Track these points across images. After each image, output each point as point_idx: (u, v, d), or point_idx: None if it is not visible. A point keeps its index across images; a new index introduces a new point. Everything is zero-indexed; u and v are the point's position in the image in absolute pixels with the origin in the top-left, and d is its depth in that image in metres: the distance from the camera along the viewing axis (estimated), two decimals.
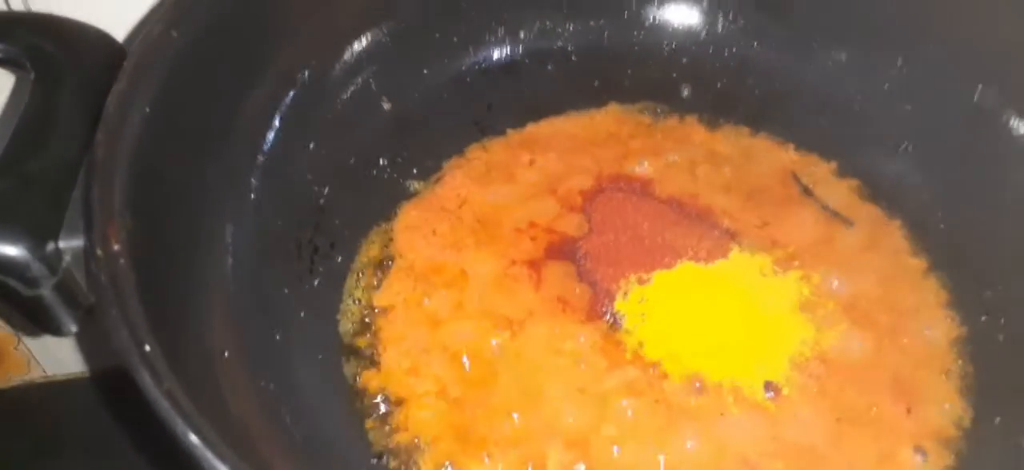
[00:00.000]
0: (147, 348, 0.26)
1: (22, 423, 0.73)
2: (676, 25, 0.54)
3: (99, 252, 0.28)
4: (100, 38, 0.35)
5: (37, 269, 0.29)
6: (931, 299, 0.43)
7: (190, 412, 0.24)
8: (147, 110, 0.33)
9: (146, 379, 0.25)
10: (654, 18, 0.54)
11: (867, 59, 0.50)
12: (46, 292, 0.30)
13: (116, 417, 0.67)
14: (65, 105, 0.33)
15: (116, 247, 0.28)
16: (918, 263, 0.44)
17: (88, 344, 0.68)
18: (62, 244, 0.30)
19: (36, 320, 0.31)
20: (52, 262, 0.30)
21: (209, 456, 0.23)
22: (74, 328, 0.32)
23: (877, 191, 0.47)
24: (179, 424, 0.24)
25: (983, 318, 0.41)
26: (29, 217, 0.30)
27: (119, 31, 0.37)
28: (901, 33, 0.48)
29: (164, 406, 0.24)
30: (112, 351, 0.27)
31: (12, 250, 0.29)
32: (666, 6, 0.53)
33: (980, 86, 0.44)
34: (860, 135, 0.49)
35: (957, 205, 0.45)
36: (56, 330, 0.31)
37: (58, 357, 0.70)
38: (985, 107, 0.44)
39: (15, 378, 0.72)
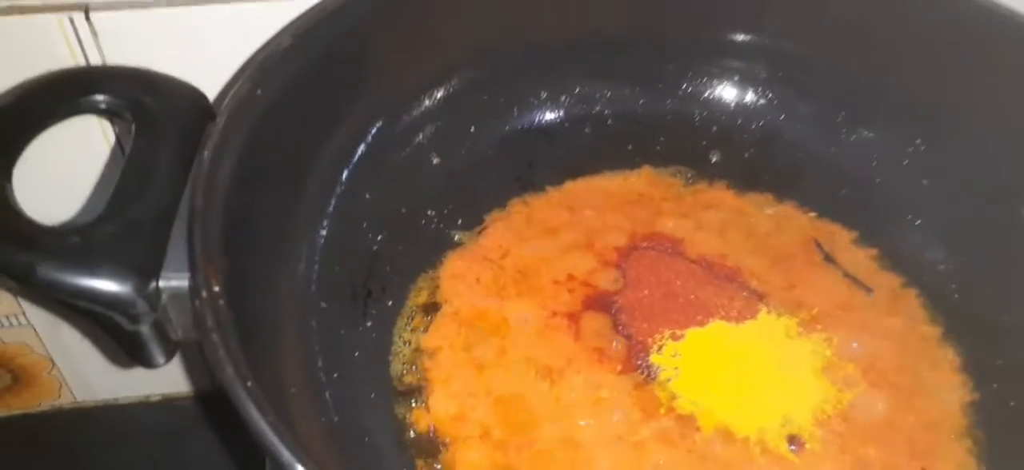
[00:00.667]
0: (250, 384, 0.28)
1: (49, 448, 0.75)
2: (707, 96, 0.57)
3: (203, 293, 0.30)
4: (193, 94, 0.39)
5: (141, 306, 0.32)
6: (945, 365, 0.45)
7: (291, 442, 0.27)
8: (235, 161, 0.36)
9: (253, 413, 0.27)
10: (687, 89, 0.57)
11: (887, 137, 0.53)
12: (145, 328, 0.33)
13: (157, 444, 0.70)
14: (163, 154, 0.36)
15: (216, 288, 0.31)
16: (933, 330, 0.47)
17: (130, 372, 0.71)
18: (163, 284, 0.33)
19: (132, 352, 0.34)
20: (153, 300, 0.32)
21: None
22: (163, 361, 0.35)
23: (895, 261, 0.50)
24: (285, 453, 0.26)
25: (995, 385, 0.44)
26: (135, 258, 0.32)
27: (209, 89, 0.40)
28: (920, 116, 0.52)
29: (271, 438, 0.27)
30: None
31: (120, 288, 0.32)
32: (699, 80, 0.57)
33: (993, 169, 0.48)
34: (880, 207, 0.52)
35: (971, 277, 0.48)
36: (147, 362, 0.34)
37: (89, 384, 0.73)
38: (997, 188, 0.48)
39: (45, 403, 0.74)
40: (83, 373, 0.72)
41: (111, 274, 0.32)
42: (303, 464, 0.26)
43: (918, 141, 0.52)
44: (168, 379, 0.73)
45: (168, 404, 0.74)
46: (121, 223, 0.33)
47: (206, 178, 0.35)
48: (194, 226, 0.33)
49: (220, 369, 0.28)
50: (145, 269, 0.32)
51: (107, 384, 0.73)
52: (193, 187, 0.34)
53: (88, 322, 0.32)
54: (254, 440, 0.28)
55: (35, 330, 0.67)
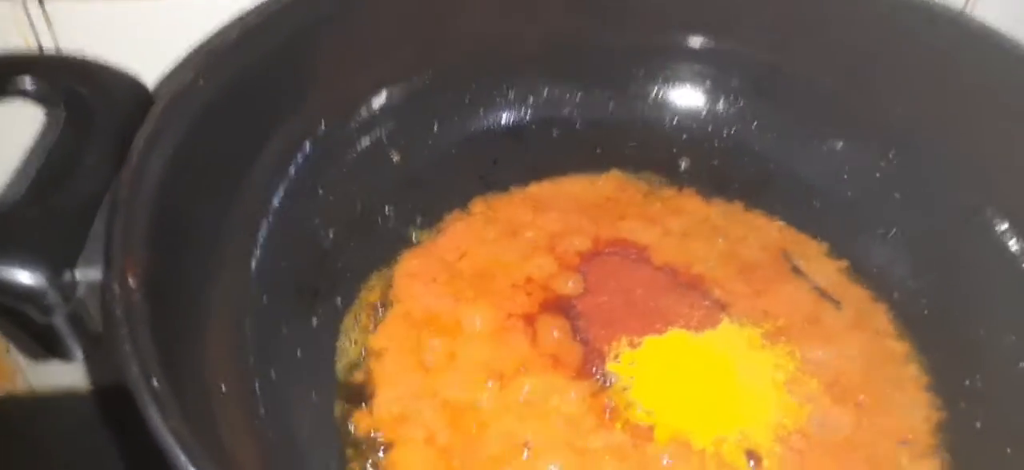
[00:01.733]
0: (155, 383, 0.27)
1: (3, 434, 0.73)
2: (679, 102, 0.56)
3: (116, 287, 0.29)
4: (131, 84, 0.37)
5: (52, 297, 0.30)
6: (912, 382, 0.44)
7: (193, 448, 0.25)
8: (170, 152, 0.35)
9: (154, 414, 0.26)
10: (658, 94, 0.56)
11: (859, 149, 0.52)
12: (58, 320, 0.31)
13: (113, 434, 0.68)
14: (93, 144, 0.34)
15: (132, 283, 0.30)
16: (901, 347, 0.45)
17: (91, 362, 0.69)
18: (79, 275, 0.31)
19: (45, 345, 0.32)
20: (67, 291, 0.31)
21: None
22: (80, 355, 0.33)
23: (865, 274, 0.48)
24: (181, 459, 0.25)
25: (962, 405, 0.42)
26: (49, 247, 0.31)
27: (149, 77, 0.39)
28: (894, 128, 0.50)
29: (169, 442, 0.25)
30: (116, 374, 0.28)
31: (30, 278, 0.30)
32: (670, 84, 0.55)
33: (965, 185, 0.46)
34: (851, 219, 0.50)
35: (941, 294, 0.47)
36: (62, 355, 0.33)
37: (45, 371, 0.71)
38: (969, 204, 0.46)
39: (1, 388, 0.72)
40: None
41: (22, 263, 0.30)
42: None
43: (891, 154, 0.51)
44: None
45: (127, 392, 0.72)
46: (39, 210, 0.32)
47: (135, 168, 0.33)
48: (115, 217, 0.31)
49: (124, 365, 0.27)
50: (60, 258, 0.31)
51: (64, 372, 0.71)
52: (121, 176, 0.33)
53: None
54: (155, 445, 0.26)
55: None
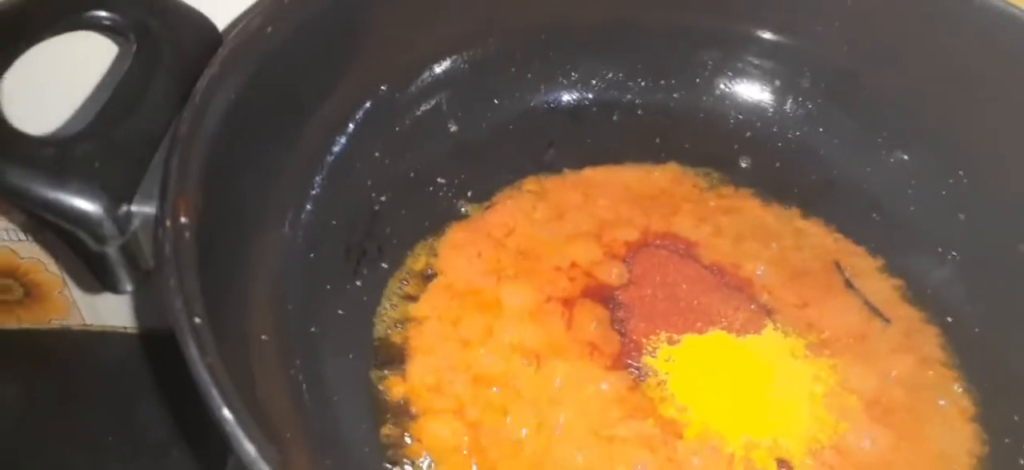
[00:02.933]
0: (197, 320, 0.27)
1: (54, 366, 0.75)
2: (745, 98, 0.55)
3: (168, 222, 0.30)
4: (202, 22, 0.38)
5: (108, 227, 0.31)
6: (956, 411, 0.42)
7: (228, 388, 0.26)
8: (233, 97, 0.35)
9: (193, 351, 0.26)
10: (724, 88, 0.55)
11: (928, 164, 0.50)
12: (112, 250, 0.32)
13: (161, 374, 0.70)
14: (160, 81, 0.35)
15: (184, 220, 0.30)
16: (949, 373, 0.44)
17: (140, 302, 0.71)
18: (135, 208, 0.32)
19: (98, 273, 0.33)
20: (122, 223, 0.32)
21: (239, 433, 0.25)
22: (130, 288, 0.34)
23: (919, 294, 0.47)
24: (215, 398, 0.25)
25: (1007, 440, 0.41)
26: (108, 178, 0.32)
27: (220, 20, 0.39)
28: (965, 147, 0.49)
29: (205, 378, 0.26)
30: (163, 315, 0.28)
31: (88, 206, 0.31)
32: (738, 80, 0.54)
33: None
34: (910, 236, 0.49)
35: (996, 323, 0.45)
36: (113, 287, 0.33)
37: (98, 308, 0.73)
38: None
39: (55, 320, 0.75)
40: (93, 298, 0.72)
41: (80, 190, 0.31)
42: (233, 412, 0.25)
43: (961, 173, 0.49)
44: None
45: (172, 339, 0.74)
46: (101, 141, 0.33)
47: (196, 109, 0.34)
48: (173, 154, 0.32)
49: (168, 301, 0.27)
50: (118, 190, 0.32)
51: (116, 312, 0.74)
52: (182, 116, 0.33)
53: (56, 237, 0.32)
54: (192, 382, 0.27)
55: (49, 249, 0.67)
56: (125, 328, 0.75)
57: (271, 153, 0.39)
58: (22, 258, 0.68)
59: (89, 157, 0.32)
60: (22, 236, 0.66)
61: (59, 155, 0.31)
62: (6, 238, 0.66)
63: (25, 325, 0.74)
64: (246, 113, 0.36)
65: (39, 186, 0.31)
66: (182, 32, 0.38)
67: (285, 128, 0.40)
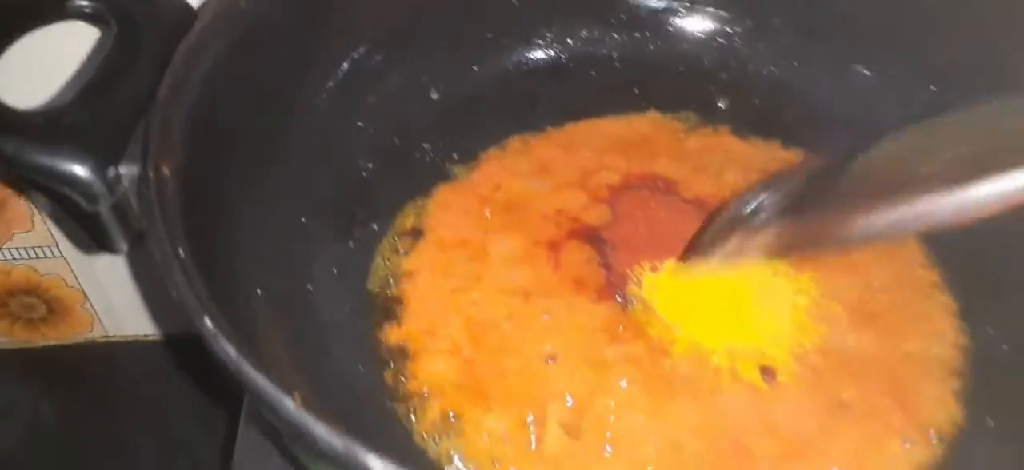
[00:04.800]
0: (181, 253, 0.29)
1: (81, 379, 0.78)
2: (719, 41, 0.56)
3: (151, 174, 0.32)
4: (179, 4, 0.40)
5: (98, 188, 0.33)
6: (939, 309, 0.43)
7: (208, 304, 0.27)
8: (210, 64, 0.37)
9: (180, 279, 0.28)
10: (698, 33, 0.56)
11: (900, 83, 0.51)
12: (103, 210, 0.34)
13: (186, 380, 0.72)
14: (141, 56, 0.37)
15: (166, 172, 0.32)
16: (931, 276, 0.45)
17: (157, 309, 0.74)
18: (123, 170, 0.34)
19: (94, 235, 0.35)
20: (112, 184, 0.34)
21: (222, 343, 0.27)
22: (125, 247, 0.36)
23: None
24: (198, 309, 0.27)
25: (990, 330, 0.42)
26: (95, 143, 0.34)
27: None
28: (936, 62, 0.50)
29: (191, 300, 0.27)
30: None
31: (78, 169, 0.33)
32: (709, 23, 0.56)
33: None
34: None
35: (976, 227, 0.46)
36: (108, 246, 0.35)
37: (119, 320, 0.76)
38: None
39: (79, 335, 0.77)
40: (114, 308, 0.75)
41: (70, 155, 0.33)
42: (216, 324, 0.27)
43: (932, 88, 0.50)
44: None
45: (195, 342, 0.76)
46: (88, 110, 0.35)
47: (175, 74, 0.36)
48: (153, 116, 0.34)
49: (156, 243, 0.29)
50: (105, 153, 0.34)
51: (137, 320, 0.76)
52: (163, 81, 0.35)
53: (52, 202, 0.34)
54: (183, 310, 0.29)
55: (68, 263, 0.70)
56: (146, 336, 0.77)
57: (251, 118, 0.41)
58: (43, 275, 0.71)
59: (77, 125, 0.34)
60: (41, 253, 0.69)
61: (48, 124, 0.34)
62: (26, 256, 0.69)
63: (50, 341, 0.77)
64: (223, 80, 0.38)
65: (31, 153, 0.33)
66: (160, 14, 0.40)
67: (263, 95, 0.42)
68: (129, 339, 0.77)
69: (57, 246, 0.68)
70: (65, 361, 0.77)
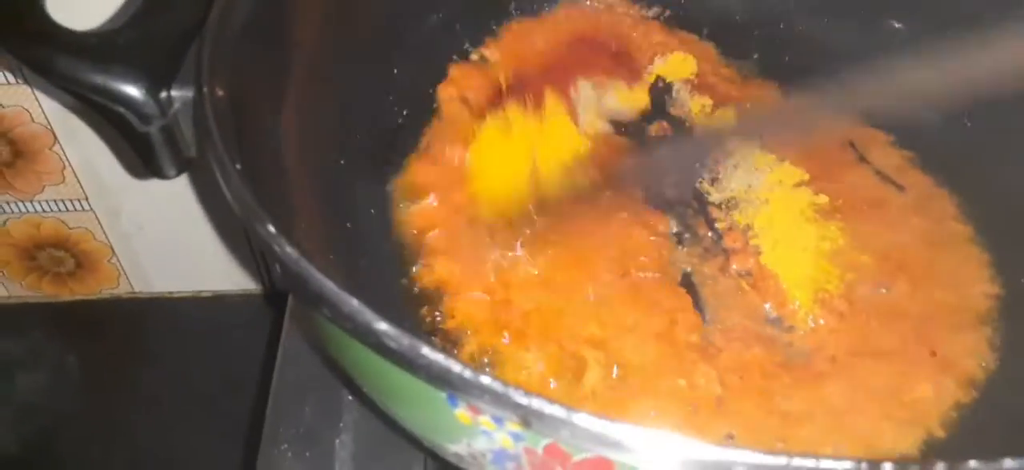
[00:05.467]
0: (238, 166, 0.30)
1: (107, 333, 0.79)
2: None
3: (206, 93, 0.32)
4: None
5: (150, 108, 0.34)
6: (972, 261, 0.44)
7: (266, 210, 0.28)
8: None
9: (237, 187, 0.29)
10: None
11: (930, 34, 0.51)
12: (154, 131, 0.35)
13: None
14: None
15: (220, 93, 0.33)
16: (964, 230, 0.45)
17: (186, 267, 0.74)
18: (174, 93, 0.35)
19: (144, 157, 0.36)
20: (164, 105, 0.34)
21: (282, 245, 0.27)
22: (173, 172, 0.36)
23: (931, 163, 0.48)
24: (259, 214, 0.28)
25: (1022, 280, 0.42)
26: (149, 64, 0.34)
27: None
28: (971, 14, 0.50)
29: (252, 206, 0.28)
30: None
31: (131, 89, 0.34)
32: None
33: None
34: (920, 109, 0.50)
35: (1010, 179, 0.46)
36: (158, 171, 0.36)
37: (145, 276, 0.77)
38: None
39: (105, 290, 0.78)
40: (140, 264, 0.75)
41: (123, 74, 0.34)
42: (277, 228, 0.27)
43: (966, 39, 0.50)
44: (220, 277, 0.76)
45: (218, 301, 0.78)
46: (141, 31, 0.35)
47: (224, 5, 0.36)
48: (206, 39, 0.34)
49: (212, 157, 0.30)
50: (158, 74, 0.34)
51: (163, 277, 0.77)
52: (215, 7, 0.36)
53: (106, 121, 0.34)
54: (241, 221, 0.29)
55: (97, 217, 0.71)
56: (172, 294, 0.78)
57: (295, 52, 0.41)
58: (71, 228, 0.72)
59: (130, 45, 0.34)
60: (70, 206, 0.70)
61: (103, 44, 0.34)
62: (55, 209, 0.70)
63: (78, 296, 0.78)
64: (271, 9, 0.38)
65: (86, 72, 0.33)
66: None
67: (307, 28, 0.42)
68: (155, 296, 0.78)
69: (86, 199, 0.69)
70: (92, 316, 0.78)
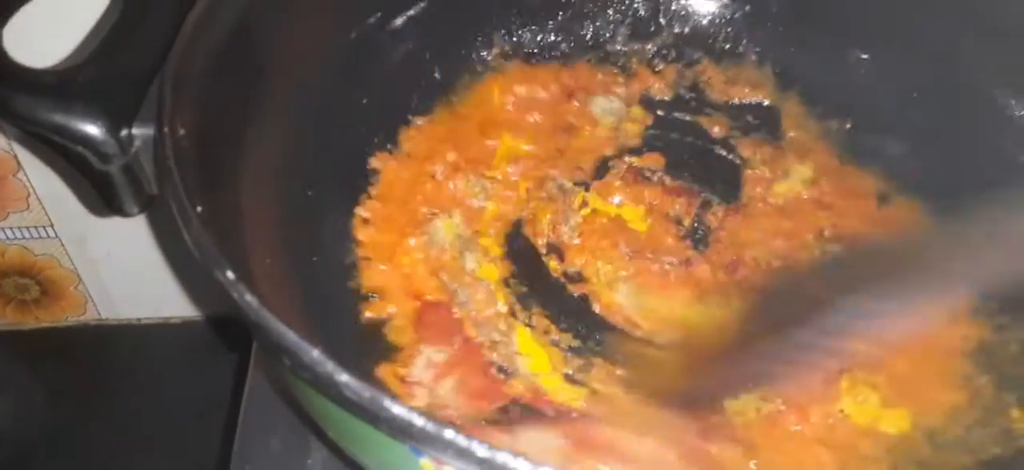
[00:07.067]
0: (199, 209, 0.29)
1: (73, 360, 0.78)
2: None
3: (166, 132, 0.32)
4: None
5: (110, 146, 0.33)
6: None
7: (225, 257, 0.28)
8: (222, 28, 0.38)
9: (196, 231, 0.28)
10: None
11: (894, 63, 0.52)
12: (115, 170, 0.34)
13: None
14: (152, 19, 0.37)
15: (181, 132, 0.32)
16: None
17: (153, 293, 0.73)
18: (136, 131, 0.34)
19: (105, 196, 0.35)
20: (124, 144, 0.34)
21: (242, 292, 0.27)
22: (136, 210, 0.36)
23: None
24: (218, 260, 0.27)
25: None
26: (109, 102, 0.34)
27: None
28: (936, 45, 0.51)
29: (211, 251, 0.28)
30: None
31: (91, 127, 0.33)
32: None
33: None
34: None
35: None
36: (120, 208, 0.35)
37: (112, 302, 0.75)
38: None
39: (71, 318, 0.77)
40: (107, 291, 0.74)
41: (83, 113, 0.33)
42: (236, 275, 0.27)
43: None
44: (188, 303, 0.75)
45: (186, 327, 0.77)
46: (101, 70, 0.35)
47: (186, 38, 0.36)
48: (166, 78, 0.34)
49: (173, 199, 0.29)
50: (118, 113, 0.34)
51: (130, 303, 0.76)
52: (174, 46, 0.35)
53: (65, 161, 0.34)
54: (201, 262, 0.29)
55: (62, 244, 0.70)
56: (139, 320, 0.77)
57: (254, 84, 0.41)
58: (37, 256, 0.70)
59: (90, 83, 0.34)
60: (35, 233, 0.68)
61: (62, 83, 0.34)
62: (20, 236, 0.69)
63: (43, 324, 0.76)
64: (235, 45, 0.38)
65: (44, 111, 0.33)
66: None
67: (271, 60, 0.42)
68: (122, 323, 0.77)
69: (52, 226, 0.68)
70: (57, 343, 0.76)
